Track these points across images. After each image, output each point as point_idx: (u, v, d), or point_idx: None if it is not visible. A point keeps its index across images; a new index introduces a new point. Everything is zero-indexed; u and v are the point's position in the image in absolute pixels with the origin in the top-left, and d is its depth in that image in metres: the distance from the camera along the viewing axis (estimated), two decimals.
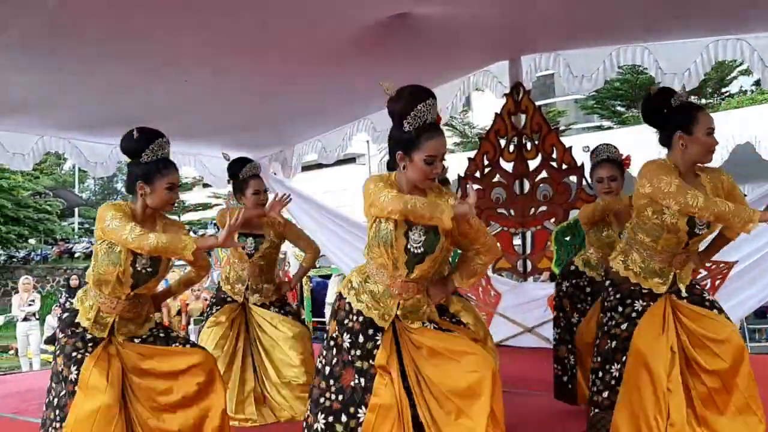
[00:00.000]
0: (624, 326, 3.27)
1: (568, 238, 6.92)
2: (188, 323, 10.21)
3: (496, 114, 7.66)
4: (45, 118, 7.16)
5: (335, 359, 2.82)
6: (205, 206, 33.61)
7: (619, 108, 22.87)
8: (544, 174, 7.20)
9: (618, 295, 3.34)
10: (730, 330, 3.26)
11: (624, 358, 3.22)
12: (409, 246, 2.75)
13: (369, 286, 2.86)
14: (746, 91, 21.68)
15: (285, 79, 6.61)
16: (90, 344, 3.21)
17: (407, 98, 2.76)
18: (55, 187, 29.43)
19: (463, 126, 23.81)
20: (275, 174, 9.85)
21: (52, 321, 13.20)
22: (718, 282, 6.27)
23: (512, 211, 7.29)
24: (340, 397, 2.75)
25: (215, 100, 7.07)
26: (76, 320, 3.28)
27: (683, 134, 3.24)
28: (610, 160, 4.39)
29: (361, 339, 2.80)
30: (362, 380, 2.74)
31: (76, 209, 31.50)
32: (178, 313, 10.43)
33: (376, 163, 27.95)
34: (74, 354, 3.19)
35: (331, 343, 2.85)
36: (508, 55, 7.28)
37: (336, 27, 5.55)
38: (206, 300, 11.01)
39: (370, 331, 2.80)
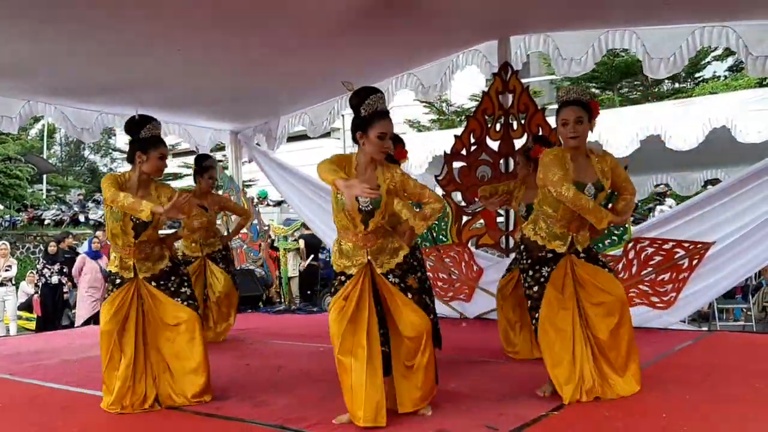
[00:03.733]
0: (535, 288, 4.02)
1: None
2: None
3: (483, 93, 7.76)
4: (32, 83, 7.13)
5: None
6: (176, 176, 33.34)
7: (594, 90, 23.09)
8: None
9: (529, 261, 4.05)
10: (617, 285, 4.02)
11: (537, 314, 4.00)
12: (360, 206, 3.57)
13: (342, 247, 3.71)
14: (719, 76, 22.04)
15: (274, 52, 6.65)
16: (119, 286, 4.20)
17: (363, 93, 3.61)
18: (23, 153, 28.94)
19: (440, 104, 23.89)
20: (259, 145, 9.90)
21: (26, 287, 13.13)
22: (695, 262, 6.47)
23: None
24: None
25: (203, 71, 7.08)
26: (109, 269, 4.33)
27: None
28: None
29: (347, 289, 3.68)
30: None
31: (45, 176, 31.05)
32: None
33: (351, 138, 27.95)
34: (106, 296, 4.32)
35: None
36: (498, 35, 7.36)
37: (326, 3, 5.60)
38: None
39: (348, 281, 3.68)
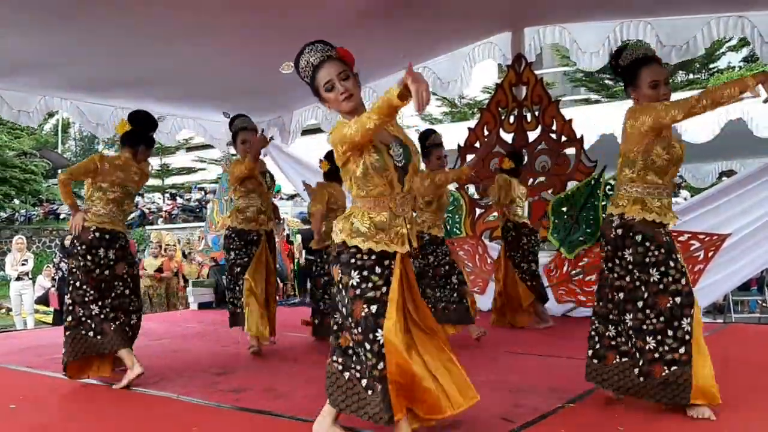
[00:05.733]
0: (683, 281, 3.37)
1: (564, 209, 7.10)
2: (186, 285, 10.31)
3: (497, 85, 7.76)
4: (48, 78, 7.20)
5: (345, 299, 2.96)
6: (189, 170, 33.46)
7: (607, 81, 22.98)
8: (543, 145, 7.33)
9: (661, 249, 3.38)
10: None
11: (692, 311, 3.34)
12: (395, 162, 2.96)
13: (375, 220, 2.95)
14: (734, 67, 21.87)
15: (289, 45, 6.63)
16: None
17: (296, 63, 3.07)
18: (37, 148, 29.14)
19: (452, 96, 23.80)
20: (272, 138, 9.92)
21: (43, 281, 13.23)
22: (711, 254, 6.45)
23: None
24: (359, 329, 2.91)
25: (217, 65, 7.11)
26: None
27: (632, 89, 3.55)
28: (441, 144, 5.62)
29: (373, 274, 2.92)
30: (373, 307, 2.88)
31: (60, 170, 31.27)
32: (176, 274, 10.51)
33: None
34: None
35: (339, 286, 2.99)
36: (511, 27, 7.36)
37: None
38: (200, 263, 11.12)
39: (386, 262, 2.94)
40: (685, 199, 13.13)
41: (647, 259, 3.38)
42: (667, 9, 6.32)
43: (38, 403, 4.23)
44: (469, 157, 7.68)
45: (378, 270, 2.91)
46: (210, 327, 7.52)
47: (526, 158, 7.39)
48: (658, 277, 3.36)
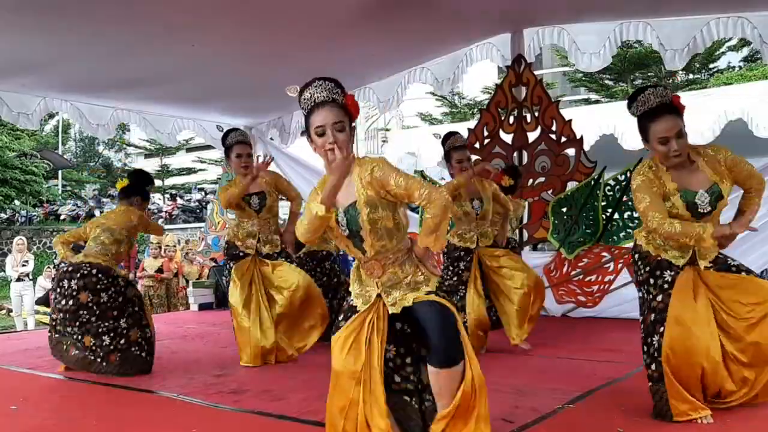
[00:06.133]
0: (659, 298, 3.35)
1: (564, 210, 7.11)
2: (186, 285, 10.32)
3: (497, 85, 7.77)
4: (48, 79, 7.20)
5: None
6: (189, 171, 33.49)
7: (607, 81, 22.98)
8: (543, 146, 7.34)
9: (647, 268, 3.43)
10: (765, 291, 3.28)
11: (662, 328, 3.30)
12: (342, 230, 2.78)
13: (359, 275, 2.87)
14: (734, 67, 21.88)
15: (287, 47, 6.68)
16: None
17: (300, 91, 2.82)
18: (38, 149, 29.13)
19: (452, 97, 23.85)
20: (272, 140, 9.94)
21: (43, 282, 13.23)
22: None
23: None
24: None
25: (216, 67, 7.12)
26: None
27: (645, 142, 3.41)
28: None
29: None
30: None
31: (60, 172, 31.26)
32: (176, 275, 10.51)
33: (362, 132, 27.99)
34: None
35: None
36: (511, 28, 7.36)
37: None
38: (201, 264, 11.12)
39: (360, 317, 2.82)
40: None
41: None
42: (667, 10, 6.32)
43: (39, 404, 4.24)
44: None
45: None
46: (210, 328, 7.52)
47: (526, 159, 7.41)
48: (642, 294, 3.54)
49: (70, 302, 4.87)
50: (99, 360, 4.83)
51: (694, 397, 3.27)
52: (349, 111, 2.79)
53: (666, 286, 3.35)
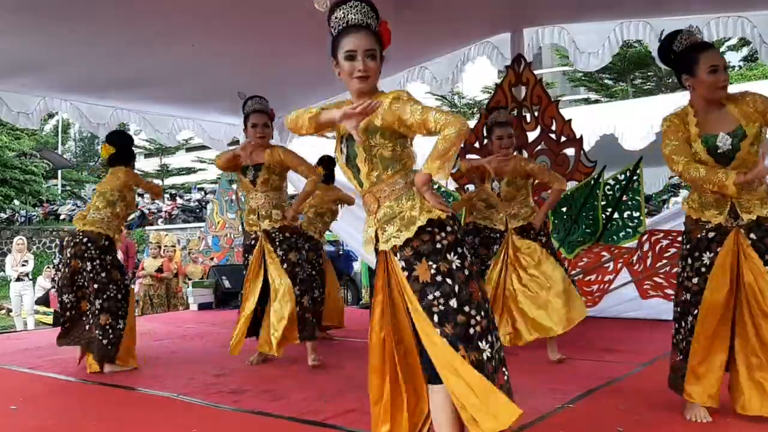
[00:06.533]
0: (695, 280, 3.33)
1: (564, 209, 7.10)
2: (181, 287, 10.31)
3: (496, 85, 7.74)
4: (47, 79, 7.19)
5: None
6: (189, 170, 33.52)
7: (607, 81, 22.99)
8: (542, 145, 7.32)
9: (688, 246, 3.40)
10: None
11: (696, 311, 3.30)
12: (342, 157, 2.74)
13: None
14: (734, 66, 21.88)
15: (285, 46, 6.67)
16: None
17: (333, 7, 2.74)
18: (37, 149, 29.14)
19: (452, 97, 23.87)
20: (272, 139, 9.92)
21: (43, 282, 13.23)
22: None
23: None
24: None
25: (216, 66, 7.11)
26: None
27: (688, 76, 3.37)
28: (508, 123, 5.11)
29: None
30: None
31: (59, 171, 31.26)
32: (175, 275, 10.50)
33: None
34: None
35: None
36: (511, 27, 7.34)
37: None
38: (203, 264, 11.11)
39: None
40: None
41: None
42: (667, 9, 6.31)
43: (39, 404, 4.24)
44: (470, 157, 7.70)
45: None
46: (210, 328, 7.52)
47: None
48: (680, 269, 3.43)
49: (66, 270, 5.08)
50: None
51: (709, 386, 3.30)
52: (381, 39, 2.69)
53: (704, 270, 3.32)
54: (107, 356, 4.95)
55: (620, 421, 3.36)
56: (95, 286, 4.99)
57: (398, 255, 2.57)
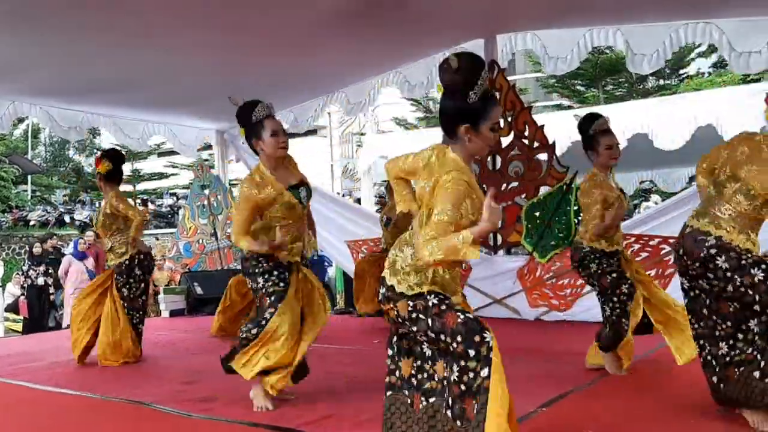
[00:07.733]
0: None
1: (537, 214, 7.13)
2: (156, 293, 10.17)
3: None
4: (17, 83, 7.10)
5: None
6: (161, 175, 33.21)
7: (579, 87, 23.16)
8: (516, 151, 7.37)
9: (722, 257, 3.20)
10: None
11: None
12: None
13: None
14: (704, 73, 22.17)
15: (258, 50, 6.65)
16: None
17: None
18: (6, 154, 28.72)
19: (427, 102, 23.90)
20: (244, 143, 9.87)
21: (12, 289, 13.03)
22: None
23: (484, 187, 7.41)
24: None
25: (187, 70, 7.07)
26: None
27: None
28: (611, 131, 4.63)
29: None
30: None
31: (29, 176, 30.84)
32: None
33: (337, 136, 27.94)
34: None
35: None
36: (484, 34, 7.38)
37: (313, 1, 5.59)
38: (171, 270, 11.00)
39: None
40: (656, 203, 13.26)
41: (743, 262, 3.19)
42: (638, 15, 6.38)
43: (9, 412, 4.17)
44: None
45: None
46: (182, 334, 7.44)
47: (499, 164, 7.43)
48: (762, 276, 3.13)
49: None
50: None
51: None
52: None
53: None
54: None
55: (592, 424, 3.37)
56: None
57: None
